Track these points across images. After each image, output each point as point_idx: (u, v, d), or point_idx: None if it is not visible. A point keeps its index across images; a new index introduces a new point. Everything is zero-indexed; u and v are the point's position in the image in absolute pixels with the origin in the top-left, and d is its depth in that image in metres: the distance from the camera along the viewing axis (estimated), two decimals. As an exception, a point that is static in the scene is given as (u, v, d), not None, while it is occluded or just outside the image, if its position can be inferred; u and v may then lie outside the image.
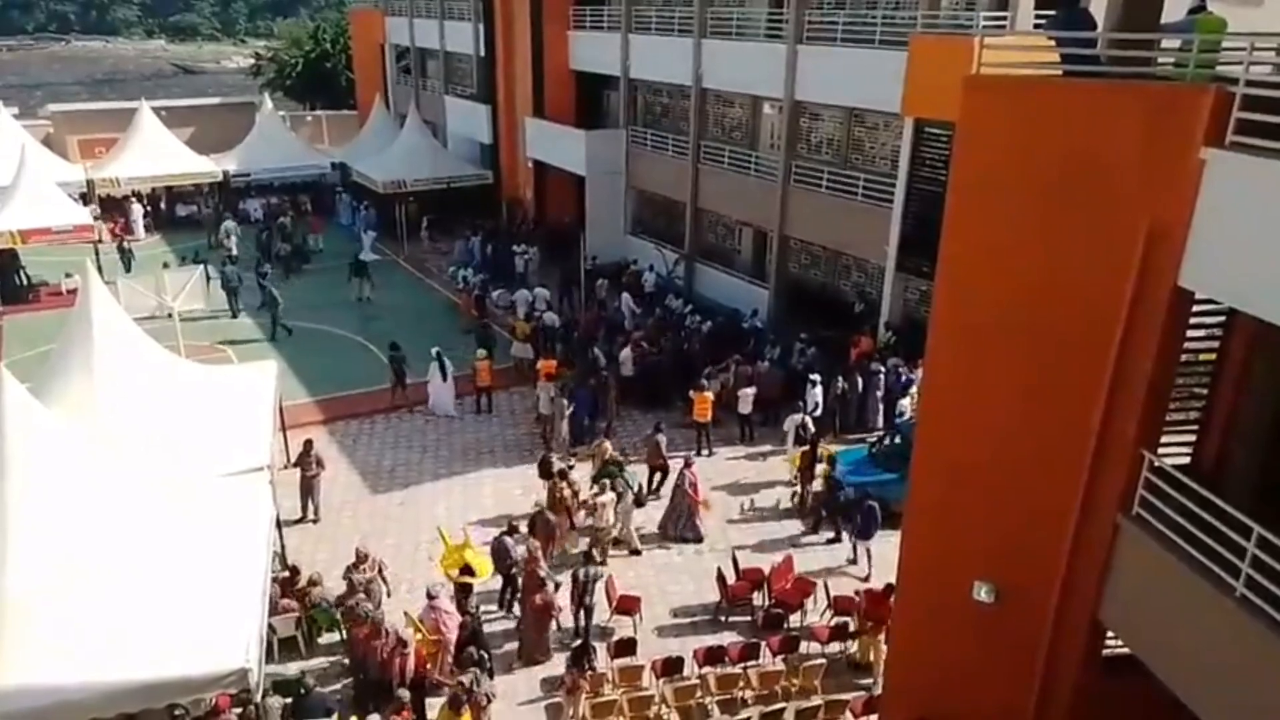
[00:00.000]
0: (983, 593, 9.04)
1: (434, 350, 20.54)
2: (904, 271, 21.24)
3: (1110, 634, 8.58)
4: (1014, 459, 8.76)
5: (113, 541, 9.84)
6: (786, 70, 23.65)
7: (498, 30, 34.21)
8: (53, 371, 13.39)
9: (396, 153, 35.25)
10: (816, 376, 18.78)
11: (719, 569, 13.87)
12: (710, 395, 18.45)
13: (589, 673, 11.38)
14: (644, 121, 30.65)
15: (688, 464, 15.85)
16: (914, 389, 18.56)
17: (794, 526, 16.26)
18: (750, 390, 18.76)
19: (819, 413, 18.35)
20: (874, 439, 17.90)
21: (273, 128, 38.82)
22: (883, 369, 19.30)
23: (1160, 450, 7.99)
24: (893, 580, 13.22)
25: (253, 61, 68.56)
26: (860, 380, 19.27)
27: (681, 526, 15.69)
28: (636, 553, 15.34)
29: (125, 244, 30.76)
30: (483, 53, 36.03)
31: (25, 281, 28.12)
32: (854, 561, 15.10)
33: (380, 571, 13.44)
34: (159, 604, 9.64)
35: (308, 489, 16.17)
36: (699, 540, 15.60)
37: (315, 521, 16.14)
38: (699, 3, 26.37)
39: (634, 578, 14.56)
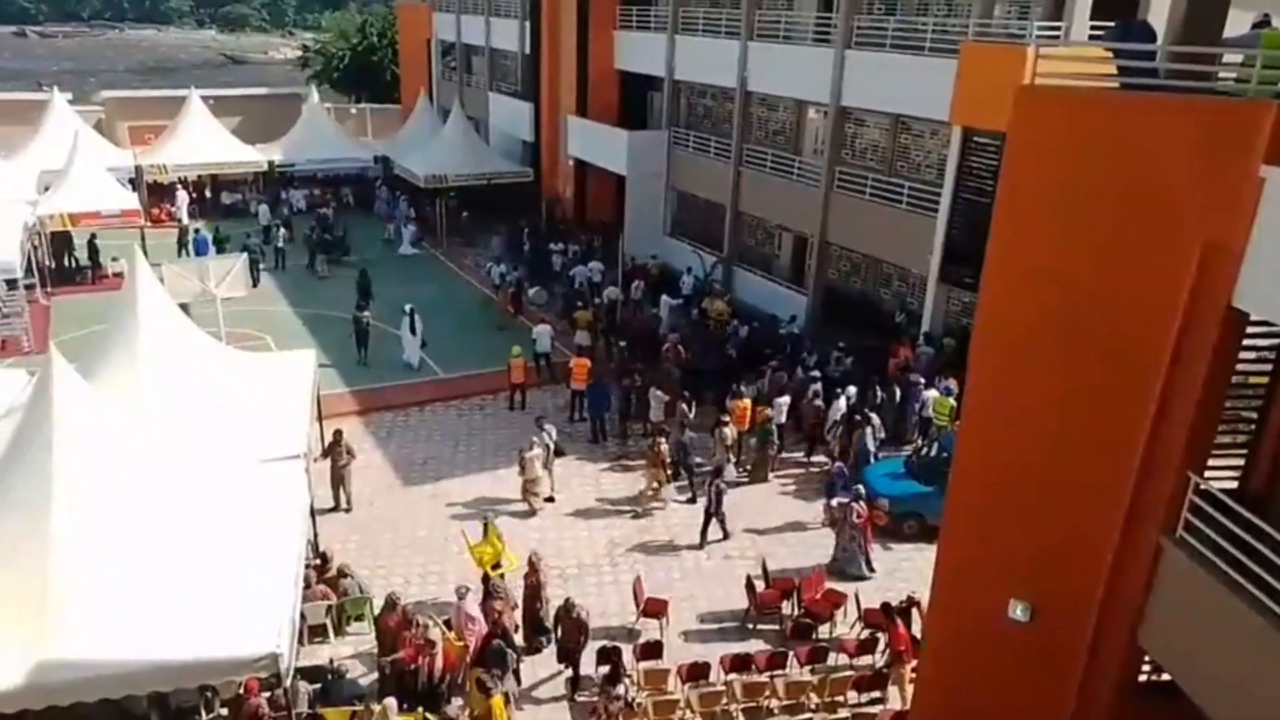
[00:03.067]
0: (1018, 611, 8.91)
1: (407, 307, 22.40)
2: (947, 282, 20.97)
3: (1149, 659, 8.41)
4: (1055, 475, 8.61)
5: (153, 522, 9.98)
6: (833, 75, 23.47)
7: (544, 28, 34.33)
8: (100, 352, 13.62)
9: (439, 147, 35.49)
10: (852, 390, 18.52)
11: (748, 576, 13.79)
12: (748, 403, 18.31)
13: (619, 701, 10.89)
14: (687, 123, 30.59)
15: (856, 497, 14.94)
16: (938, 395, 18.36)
17: (827, 536, 16.12)
18: (784, 399, 18.57)
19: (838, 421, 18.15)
20: (911, 450, 17.74)
21: (318, 120, 39.29)
22: (922, 380, 19.04)
23: (1207, 473, 7.81)
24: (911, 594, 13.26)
25: (300, 53, 69.46)
26: (898, 391, 19.06)
27: (859, 565, 14.82)
28: (550, 499, 16.76)
29: (197, 229, 31.28)
30: (528, 50, 36.19)
31: (76, 264, 28.74)
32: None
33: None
34: (194, 586, 9.77)
35: (339, 479, 16.32)
36: (872, 573, 14.91)
37: (348, 511, 16.31)
38: (746, 5, 26.27)
39: (662, 579, 14.54)
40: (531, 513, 16.49)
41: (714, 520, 15.76)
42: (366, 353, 22.64)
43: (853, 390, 18.55)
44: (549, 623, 12.83)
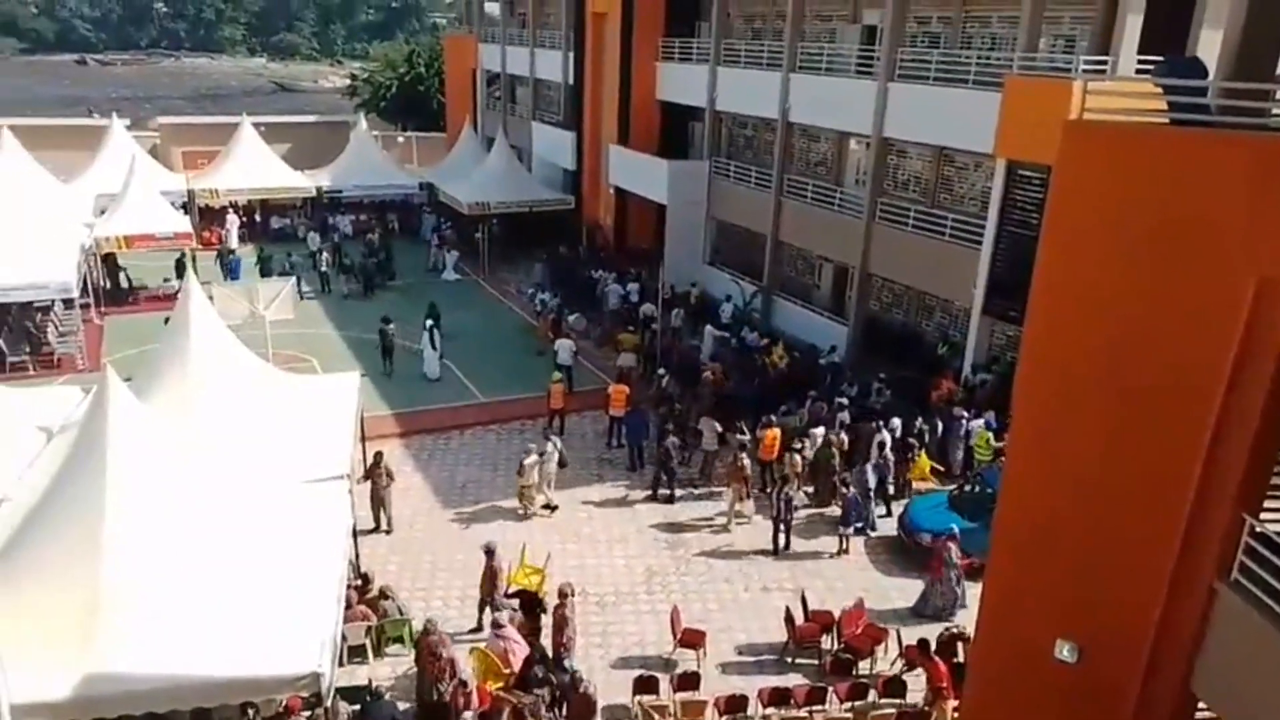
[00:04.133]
0: (1065, 651, 8.73)
1: (427, 322, 23.43)
2: (991, 314, 20.79)
3: (1202, 705, 8.20)
4: (1104, 514, 8.47)
5: (200, 539, 10.17)
6: (876, 107, 23.52)
7: (587, 60, 34.84)
8: (152, 371, 13.97)
9: (482, 175, 36.03)
10: (896, 422, 18.34)
11: (787, 609, 13.65)
12: (777, 432, 18.24)
13: None
14: (727, 153, 30.78)
15: (951, 537, 14.62)
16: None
17: (869, 570, 15.97)
18: (819, 430, 18.45)
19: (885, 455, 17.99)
20: (955, 485, 17.53)
21: (366, 147, 40.10)
22: (965, 414, 18.82)
23: (1263, 514, 7.64)
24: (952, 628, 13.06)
25: (348, 82, 71.00)
26: (940, 424, 18.86)
27: (953, 605, 14.49)
28: (552, 508, 17.35)
29: (231, 250, 32.00)
30: (571, 81, 36.71)
31: (128, 284, 29.50)
32: (845, 551, 16.21)
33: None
34: (239, 603, 9.91)
35: (379, 500, 16.46)
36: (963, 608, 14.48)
37: (388, 533, 16.43)
38: (789, 38, 26.46)
39: (700, 610, 14.46)
40: (525, 517, 17.11)
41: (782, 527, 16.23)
42: (391, 364, 23.60)
43: (897, 422, 18.38)
44: (570, 661, 12.48)
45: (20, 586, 9.29)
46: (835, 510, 16.94)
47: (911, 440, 18.26)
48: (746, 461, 17.10)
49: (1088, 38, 19.62)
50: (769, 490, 17.65)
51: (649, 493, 18.16)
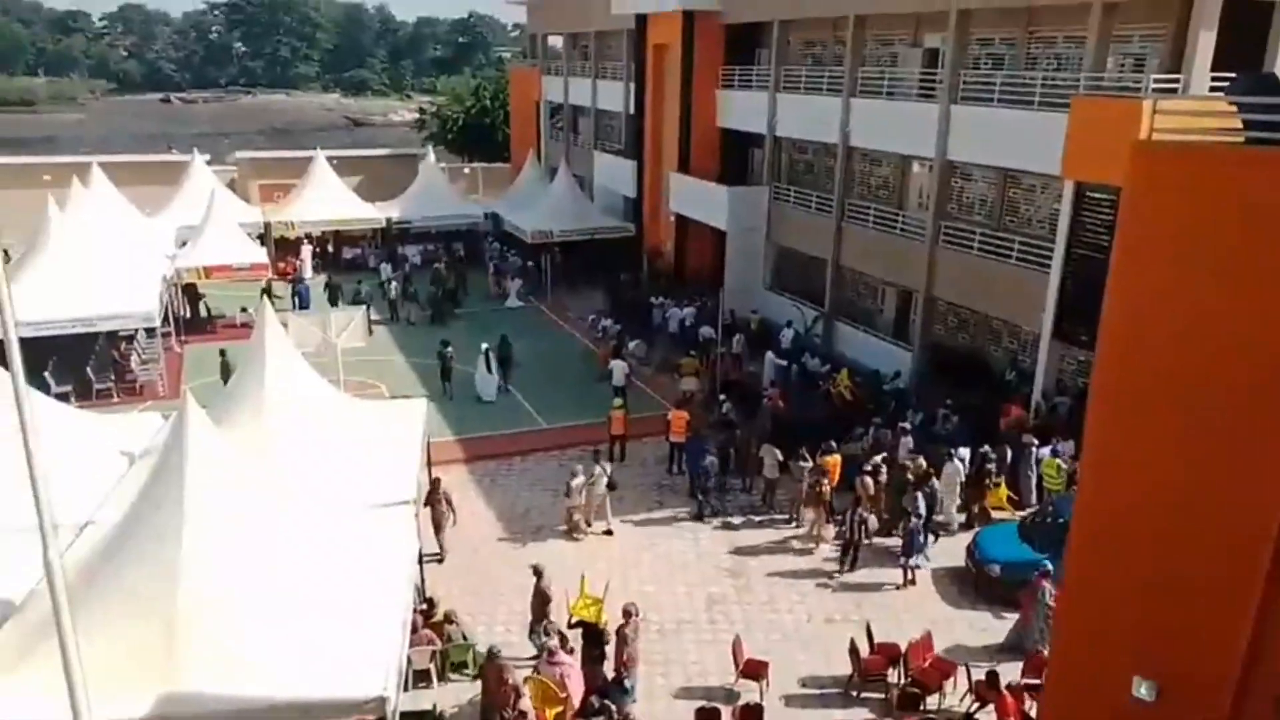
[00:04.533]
0: (1143, 689, 8.43)
1: (483, 346, 24.20)
2: (1060, 339, 20.29)
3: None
4: (1183, 543, 8.17)
5: (272, 562, 10.42)
6: (938, 130, 23.29)
7: (648, 89, 35.22)
8: (230, 398, 14.46)
9: (545, 204, 36.62)
10: (964, 452, 17.94)
11: (852, 641, 13.40)
12: (838, 459, 18.02)
13: None
14: (787, 178, 30.75)
15: (1045, 574, 13.95)
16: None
17: (937, 602, 15.62)
18: (879, 457, 18.11)
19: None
20: (1026, 514, 17.08)
21: (433, 179, 41.06)
22: (1035, 441, 18.35)
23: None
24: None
25: (417, 116, 72.87)
26: (1010, 452, 18.40)
27: (1037, 640, 13.98)
28: (609, 532, 17.52)
29: (300, 279, 33.06)
30: (633, 111, 37.15)
31: (206, 313, 30.60)
32: (912, 582, 15.88)
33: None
34: (308, 626, 10.12)
35: (438, 526, 16.55)
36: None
37: (440, 560, 16.37)
38: (849, 63, 26.41)
39: (763, 642, 14.28)
40: (574, 539, 17.38)
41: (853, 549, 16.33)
42: (451, 386, 24.26)
43: (965, 452, 17.98)
44: (631, 680, 12.54)
45: (102, 608, 9.62)
46: (898, 539, 16.61)
47: (989, 466, 17.90)
48: (828, 486, 17.11)
49: (1158, 56, 19.21)
50: (834, 517, 17.55)
51: (694, 512, 18.35)
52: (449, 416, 22.65)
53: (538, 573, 13.90)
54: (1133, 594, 8.59)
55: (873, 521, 16.81)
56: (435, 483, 16.71)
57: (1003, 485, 17.94)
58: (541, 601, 13.73)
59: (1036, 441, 18.20)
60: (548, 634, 13.10)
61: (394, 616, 10.72)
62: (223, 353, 23.70)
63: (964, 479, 17.67)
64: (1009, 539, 15.88)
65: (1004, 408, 20.19)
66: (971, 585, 15.83)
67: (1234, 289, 7.65)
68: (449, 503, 16.70)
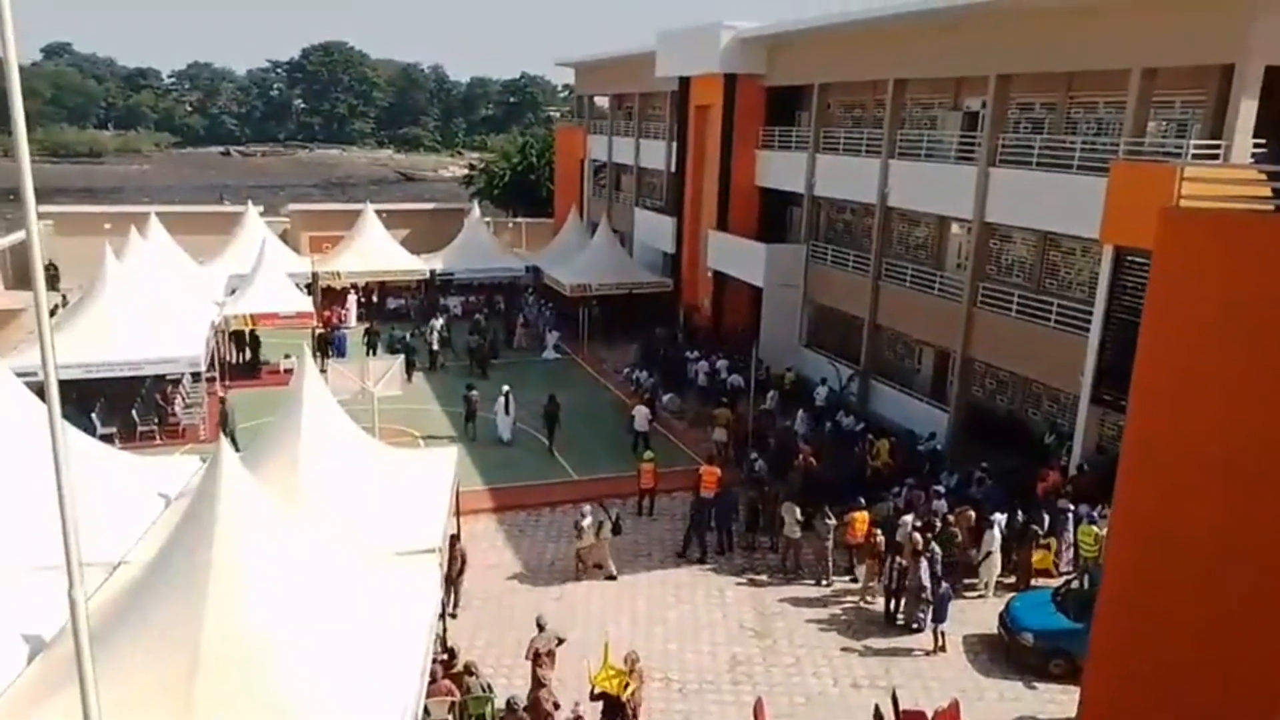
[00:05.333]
0: (1174, 769, 8.12)
1: (504, 388, 24.92)
2: (1100, 404, 19.94)
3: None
4: (1218, 612, 7.95)
5: (296, 607, 10.52)
6: (977, 192, 23.33)
7: (689, 149, 35.81)
8: (266, 442, 14.76)
9: (585, 258, 37.12)
10: (1000, 517, 17.54)
11: (876, 707, 13.04)
12: (865, 515, 17.84)
13: None
14: (825, 237, 30.89)
15: None
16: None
17: (968, 669, 15.21)
18: (909, 517, 17.83)
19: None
20: (1061, 583, 16.65)
21: (477, 233, 41.88)
22: (1072, 507, 17.97)
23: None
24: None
25: (466, 171, 74.71)
26: (1047, 518, 18.00)
27: None
28: (612, 577, 17.72)
29: (335, 327, 33.76)
30: (674, 169, 37.74)
31: (257, 359, 31.31)
32: (943, 649, 15.50)
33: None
34: (327, 672, 10.18)
35: (452, 582, 16.13)
36: None
37: (454, 617, 16.11)
38: (888, 125, 26.64)
39: (786, 706, 14.01)
40: (586, 576, 17.74)
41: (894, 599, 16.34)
42: (475, 428, 25.13)
43: (1001, 517, 17.60)
44: None
45: (127, 647, 9.77)
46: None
47: (1034, 528, 17.60)
48: (881, 538, 17.07)
49: (1200, 121, 19.14)
50: (841, 566, 17.88)
51: (692, 555, 18.79)
52: (481, 465, 22.82)
53: (540, 625, 13.83)
54: (1164, 663, 8.34)
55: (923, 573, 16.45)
56: (452, 540, 16.25)
57: (1052, 545, 17.53)
58: (534, 655, 13.55)
59: (1073, 508, 17.80)
60: (544, 683, 12.97)
61: (413, 665, 10.74)
62: (223, 401, 24.42)
63: (999, 543, 17.29)
64: (1043, 607, 15.48)
65: (1041, 472, 19.81)
66: (1003, 653, 15.42)
67: (1265, 353, 7.54)
68: (463, 559, 16.47)
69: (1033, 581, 17.32)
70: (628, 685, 12.64)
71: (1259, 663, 7.60)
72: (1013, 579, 17.58)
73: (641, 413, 24.28)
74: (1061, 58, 21.32)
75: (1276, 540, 7.45)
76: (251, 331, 30.70)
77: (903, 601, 16.33)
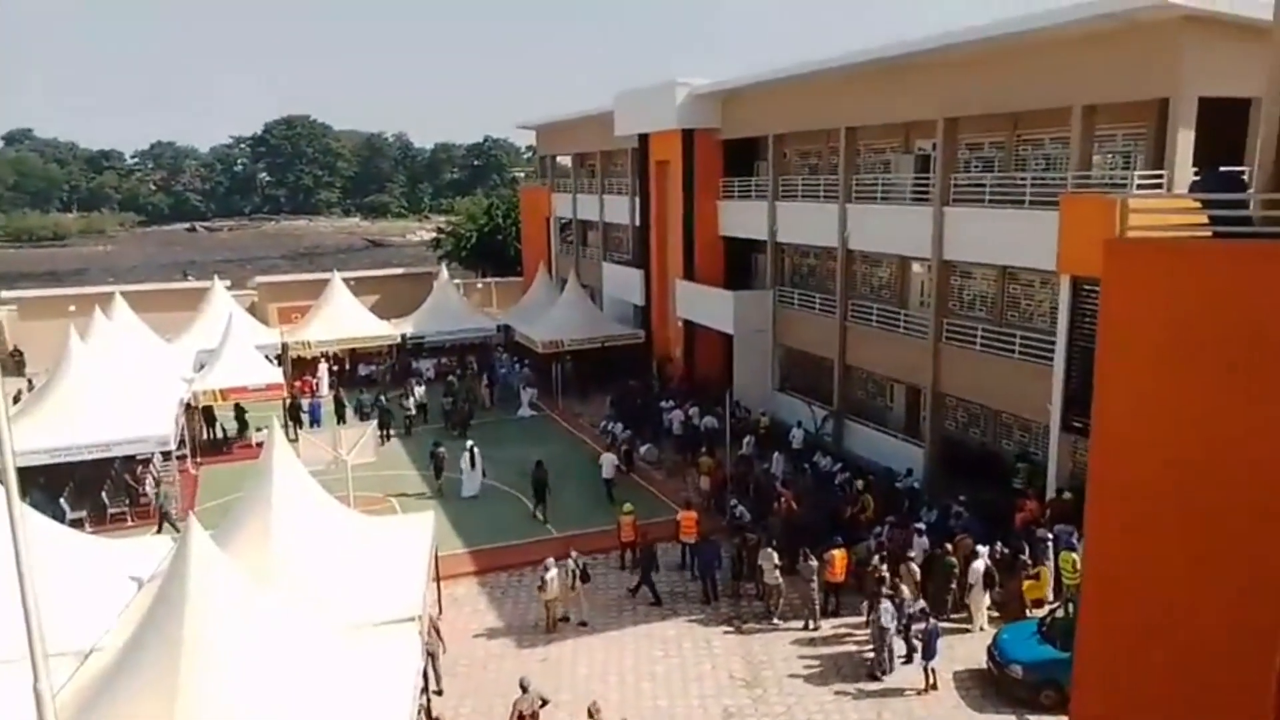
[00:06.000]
0: (1163, 793, 8.11)
1: (468, 444, 25.55)
2: (1071, 431, 20.20)
3: None
4: (1190, 639, 8.02)
5: (271, 686, 10.36)
6: (933, 232, 23.82)
7: (653, 202, 36.36)
8: (235, 518, 14.59)
9: (556, 315, 37.31)
10: (984, 549, 17.67)
11: (868, 748, 13.00)
12: (843, 552, 18.01)
13: None
14: (791, 281, 31.34)
15: None
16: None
17: (960, 707, 15.14)
18: (876, 559, 17.82)
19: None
20: (1044, 612, 16.68)
21: (446, 295, 41.99)
22: (1050, 535, 18.11)
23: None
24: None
25: (433, 235, 75.12)
26: (1027, 548, 18.11)
27: None
28: (584, 624, 17.91)
29: (339, 395, 33.81)
30: (638, 223, 38.24)
31: (223, 435, 30.97)
32: (934, 686, 15.34)
33: None
34: (309, 750, 9.99)
35: (432, 657, 15.48)
36: None
37: (439, 693, 15.60)
38: (844, 171, 27.24)
39: (778, 752, 13.85)
40: (554, 629, 17.85)
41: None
42: (443, 485, 25.39)
43: (984, 549, 17.67)
44: None
45: (101, 734, 9.56)
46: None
47: (1023, 558, 17.71)
48: (915, 568, 17.34)
49: (1143, 152, 19.78)
50: (828, 609, 17.98)
51: (634, 590, 19.15)
52: (459, 527, 22.60)
53: (524, 686, 13.74)
54: (1144, 689, 8.38)
55: (915, 606, 16.51)
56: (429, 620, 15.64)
57: (1042, 576, 17.58)
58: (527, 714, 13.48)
59: (1051, 536, 17.92)
60: None
61: (395, 737, 10.56)
62: (158, 484, 25.13)
63: (985, 575, 17.35)
64: (1029, 639, 15.49)
65: (1019, 502, 19.97)
66: (994, 687, 15.38)
67: (1213, 378, 7.74)
68: (438, 633, 16.03)
69: (1029, 612, 17.30)
70: None
71: (1238, 683, 7.67)
72: (998, 613, 17.58)
73: (608, 460, 24.49)
74: (1006, 98, 22.03)
75: (1247, 562, 7.57)
76: (237, 405, 30.43)
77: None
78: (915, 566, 17.45)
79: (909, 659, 16.12)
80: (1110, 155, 21.01)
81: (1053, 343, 20.51)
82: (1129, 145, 20.56)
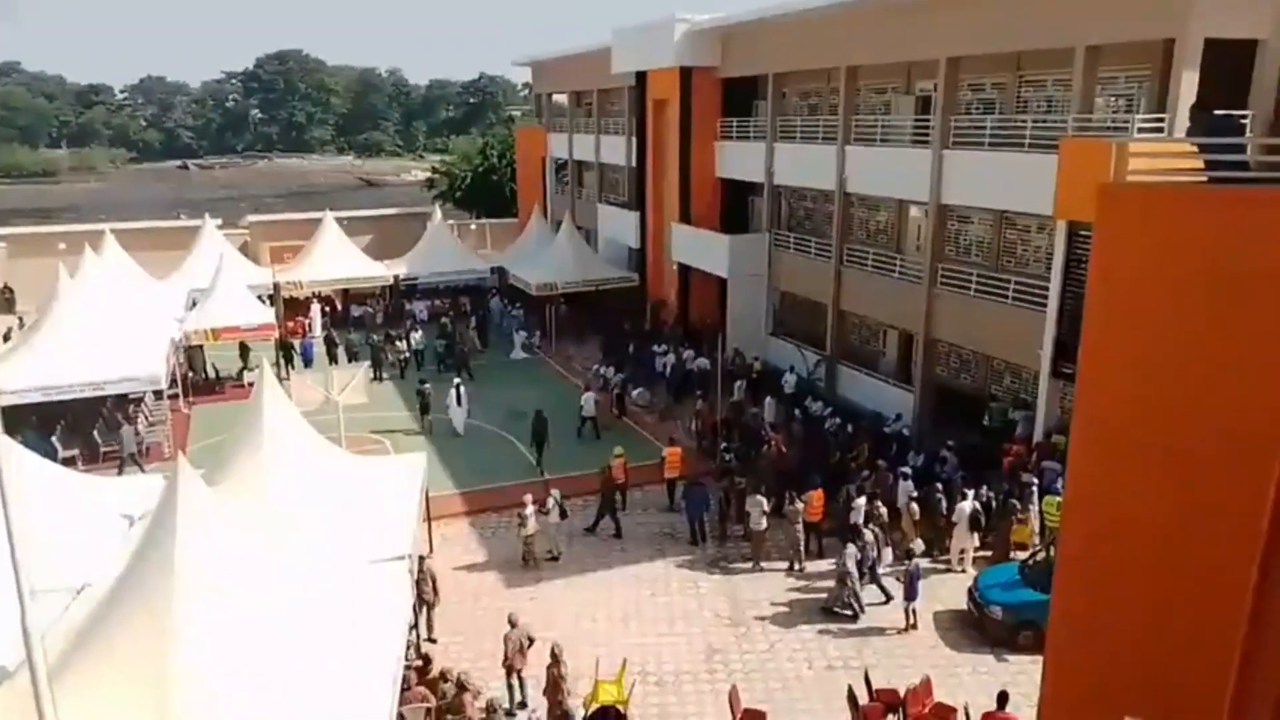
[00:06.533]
0: (1134, 731, 8.28)
1: (455, 382, 26.01)
2: (1060, 377, 20.24)
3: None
4: (1166, 587, 8.10)
5: (262, 621, 10.46)
6: (932, 175, 23.54)
7: (649, 143, 35.84)
8: (227, 458, 14.63)
9: (550, 257, 37.08)
10: (970, 493, 17.86)
11: (850, 688, 13.24)
12: (820, 492, 18.30)
13: None
14: (787, 225, 31.07)
15: None
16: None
17: (939, 646, 15.42)
18: (861, 500, 18.05)
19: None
20: (1026, 555, 16.90)
21: (440, 236, 41.62)
22: (1036, 480, 18.27)
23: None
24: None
25: (428, 175, 74.24)
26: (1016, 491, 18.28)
27: None
28: (555, 558, 18.43)
29: (330, 336, 33.70)
30: (635, 164, 37.76)
31: (215, 374, 30.96)
32: (914, 626, 15.80)
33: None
34: (298, 683, 10.13)
35: (427, 606, 15.80)
36: None
37: (433, 641, 15.80)
38: (843, 112, 26.83)
39: (763, 692, 14.12)
40: (532, 565, 18.22)
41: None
42: (430, 423, 25.64)
43: (970, 492, 17.86)
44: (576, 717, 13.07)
45: (92, 671, 9.68)
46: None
47: (1013, 501, 17.85)
48: (915, 507, 17.82)
49: (1146, 96, 19.45)
50: (813, 550, 18.20)
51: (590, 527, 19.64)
52: (451, 469, 22.74)
53: (512, 622, 13.98)
54: (1118, 636, 8.50)
55: (918, 545, 16.95)
56: (420, 560, 15.65)
57: (1029, 519, 17.77)
58: (514, 650, 13.83)
59: (1037, 481, 18.08)
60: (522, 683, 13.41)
61: (384, 672, 10.73)
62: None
63: (971, 518, 17.54)
64: (1010, 581, 15.71)
65: (1005, 447, 20.10)
66: (974, 628, 15.64)
67: (1204, 325, 7.68)
68: (434, 583, 15.96)
69: (1012, 555, 17.49)
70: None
71: (1210, 631, 7.76)
72: (989, 554, 17.80)
73: (589, 398, 24.87)
74: (1008, 38, 21.58)
75: (1221, 514, 7.61)
76: (242, 343, 30.39)
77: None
78: (915, 506, 17.72)
79: (887, 600, 16.36)
80: (1113, 98, 20.66)
81: (1046, 289, 20.43)
82: (1132, 88, 20.20)
